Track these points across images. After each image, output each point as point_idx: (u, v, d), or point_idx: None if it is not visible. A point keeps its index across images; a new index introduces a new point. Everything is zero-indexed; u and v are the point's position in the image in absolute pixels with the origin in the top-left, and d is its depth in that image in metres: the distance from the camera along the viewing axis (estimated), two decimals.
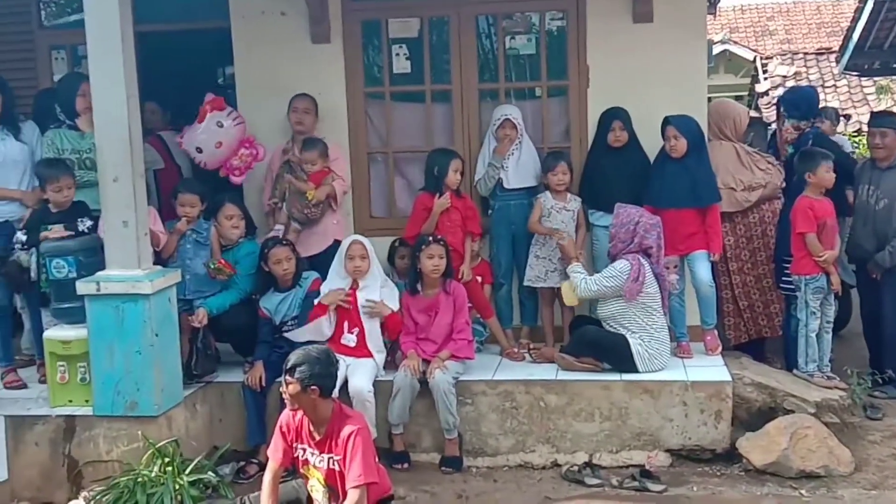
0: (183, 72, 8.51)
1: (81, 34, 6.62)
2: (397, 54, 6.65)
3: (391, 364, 5.77)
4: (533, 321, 6.43)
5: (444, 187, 6.03)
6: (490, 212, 6.36)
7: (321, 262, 6.02)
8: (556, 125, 6.61)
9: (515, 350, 6.18)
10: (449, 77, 6.59)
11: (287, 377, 4.29)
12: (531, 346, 6.21)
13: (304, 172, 6.19)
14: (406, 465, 5.55)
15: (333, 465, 4.36)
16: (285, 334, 5.78)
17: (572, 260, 5.87)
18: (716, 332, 6.11)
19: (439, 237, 5.82)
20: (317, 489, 4.45)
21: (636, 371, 5.64)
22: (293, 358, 4.32)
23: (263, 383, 5.62)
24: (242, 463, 5.59)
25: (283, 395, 4.36)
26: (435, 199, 6.02)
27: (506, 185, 6.28)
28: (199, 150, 6.17)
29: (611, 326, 5.75)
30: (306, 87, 6.42)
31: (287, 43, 6.53)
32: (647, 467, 5.35)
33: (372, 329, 5.68)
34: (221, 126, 6.13)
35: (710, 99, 6.72)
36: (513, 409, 5.64)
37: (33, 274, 5.49)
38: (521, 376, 5.74)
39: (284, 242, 5.86)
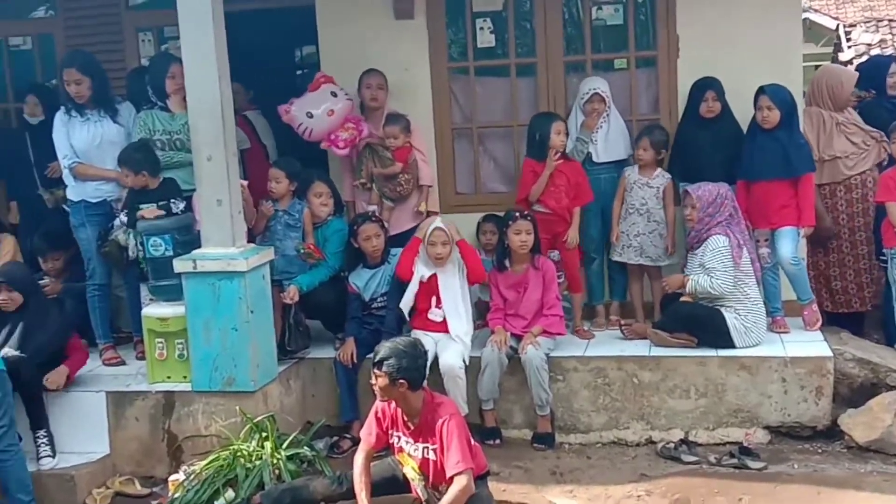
0: (262, 52, 8.57)
1: (166, 15, 6.77)
2: (481, 28, 6.58)
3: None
4: (622, 297, 6.36)
5: (549, 151, 5.90)
6: None
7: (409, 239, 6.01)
8: (644, 97, 6.49)
9: (585, 329, 6.11)
10: (534, 50, 6.51)
11: (375, 370, 4.30)
12: (622, 322, 6.13)
13: (387, 150, 6.18)
14: (498, 442, 5.54)
15: (428, 454, 4.37)
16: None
17: (684, 283, 5.72)
18: (815, 306, 5.96)
19: (526, 212, 5.77)
20: (412, 476, 4.47)
21: (732, 346, 5.53)
22: (381, 351, 4.33)
23: (355, 359, 5.65)
24: (336, 438, 5.65)
25: (374, 388, 4.37)
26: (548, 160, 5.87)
27: (595, 159, 6.20)
28: (310, 116, 6.13)
29: (705, 301, 5.65)
30: (389, 63, 6.39)
31: (370, 19, 6.51)
32: (746, 444, 5.26)
33: (457, 305, 5.66)
34: (335, 96, 6.12)
35: None
36: (605, 385, 5.58)
37: (132, 252, 5.59)
38: (614, 352, 5.68)
39: (374, 219, 5.87)
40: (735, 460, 5.13)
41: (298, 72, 11.23)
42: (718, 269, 5.54)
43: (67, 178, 5.95)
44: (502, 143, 6.69)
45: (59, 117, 5.95)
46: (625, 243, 6.15)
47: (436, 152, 6.55)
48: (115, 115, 5.95)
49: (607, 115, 6.20)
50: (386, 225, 5.97)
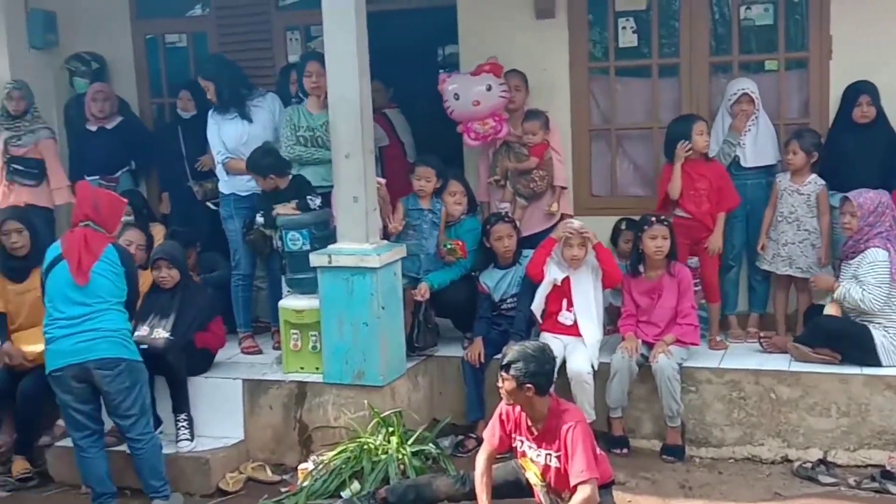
0: (404, 51, 8.68)
1: (313, 15, 6.93)
2: (623, 27, 6.47)
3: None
4: (762, 308, 6.11)
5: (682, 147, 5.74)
6: None
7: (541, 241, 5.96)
8: (793, 100, 6.23)
9: (719, 339, 5.90)
10: (678, 50, 6.35)
11: (503, 373, 4.26)
12: (761, 334, 5.90)
13: (524, 147, 6.14)
14: (625, 451, 5.43)
15: (551, 461, 4.31)
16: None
17: (833, 287, 5.48)
18: None
19: (662, 217, 5.63)
20: (535, 482, 4.43)
21: (878, 365, 5.24)
22: (509, 354, 4.29)
23: (482, 359, 5.65)
24: (461, 437, 5.66)
25: (500, 391, 4.34)
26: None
27: (743, 164, 5.98)
28: (457, 97, 6.16)
29: (853, 316, 5.37)
30: (528, 63, 6.36)
31: (511, 19, 6.49)
32: (889, 468, 4.96)
33: (589, 309, 5.58)
34: (489, 90, 6.10)
35: None
36: (740, 399, 5.39)
37: (276, 242, 5.76)
38: (751, 365, 5.47)
39: (507, 219, 5.85)
40: (876, 484, 4.87)
41: (441, 71, 11.33)
42: (872, 283, 5.26)
43: (220, 172, 6.22)
44: (641, 146, 6.56)
45: (211, 115, 6.24)
46: (774, 252, 5.91)
47: (572, 153, 6.47)
48: (248, 112, 6.13)
49: (756, 117, 5.97)
50: (518, 225, 5.94)
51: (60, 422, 5.63)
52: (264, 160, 5.84)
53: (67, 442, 5.52)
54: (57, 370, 4.88)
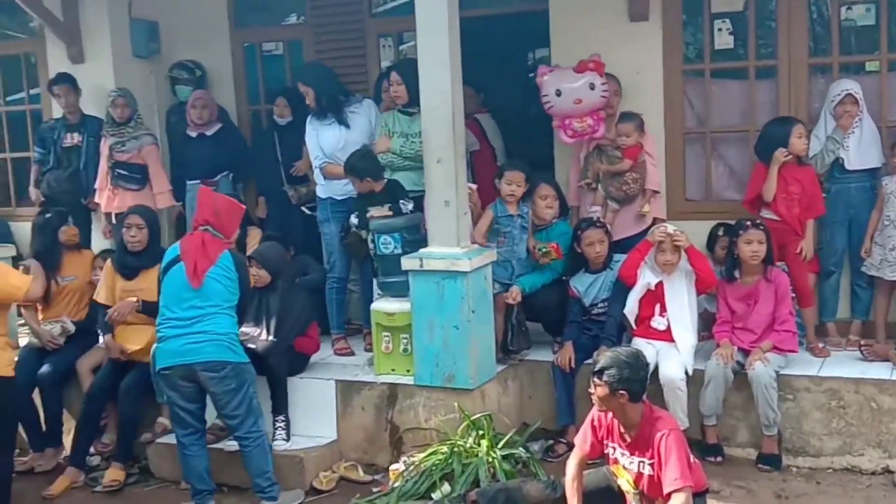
0: (494, 55, 8.71)
1: (405, 21, 7.05)
2: (720, 29, 6.36)
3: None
4: (865, 315, 5.93)
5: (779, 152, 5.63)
6: (825, 195, 5.91)
7: (636, 244, 5.89)
8: None
9: (820, 346, 5.75)
10: (775, 52, 6.22)
11: (595, 379, 4.22)
12: (862, 342, 5.72)
13: (618, 149, 6.10)
14: (720, 459, 5.34)
15: (644, 468, 4.26)
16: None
17: None
18: None
19: (758, 221, 5.52)
20: (627, 489, 4.38)
21: None
22: (602, 360, 4.25)
23: (573, 364, 5.62)
24: (551, 442, 5.64)
25: (592, 397, 4.31)
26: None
27: (846, 167, 5.82)
28: (558, 94, 6.11)
29: None
30: (621, 66, 6.30)
31: (604, 22, 6.44)
32: None
33: (683, 314, 5.50)
34: (592, 88, 6.07)
35: None
36: (839, 408, 5.24)
37: (371, 245, 5.84)
38: (851, 374, 5.32)
39: (598, 224, 5.81)
40: None
41: (531, 75, 11.33)
42: None
43: (317, 176, 6.34)
44: (737, 149, 6.44)
45: (310, 121, 6.37)
46: (881, 257, 5.73)
47: (665, 157, 6.39)
48: (345, 117, 6.24)
49: (860, 119, 5.80)
50: (609, 229, 5.90)
51: (161, 419, 5.83)
52: (361, 163, 5.93)
53: (168, 439, 5.73)
54: (165, 369, 5.04)
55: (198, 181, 7.09)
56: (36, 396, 6.10)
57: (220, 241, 5.18)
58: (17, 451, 6.18)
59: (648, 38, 6.37)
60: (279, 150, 7.20)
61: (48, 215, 6.47)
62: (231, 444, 5.52)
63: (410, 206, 5.82)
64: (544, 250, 5.80)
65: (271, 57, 8.14)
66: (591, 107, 6.09)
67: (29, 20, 8.13)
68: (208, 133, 7.26)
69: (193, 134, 7.30)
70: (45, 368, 6.00)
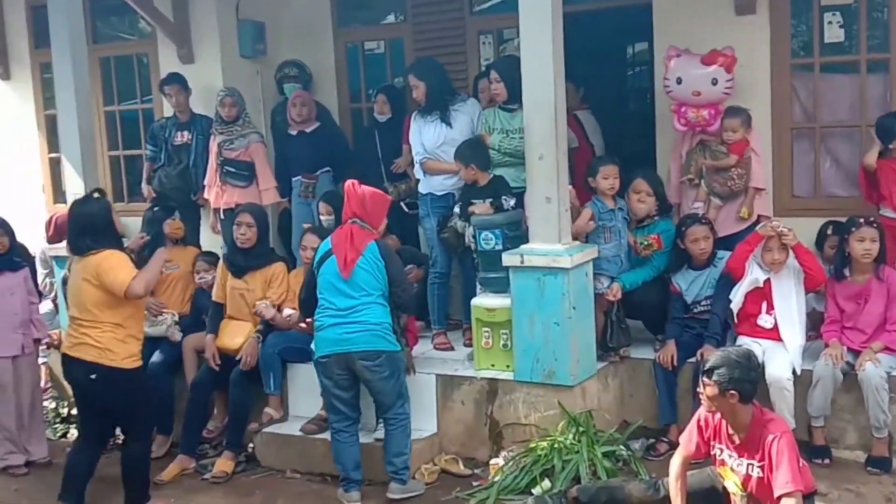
0: (594, 51, 8.64)
1: (506, 19, 7.07)
2: (829, 22, 6.19)
3: None
4: None
5: None
6: None
7: (739, 241, 5.79)
8: None
9: None
10: (888, 45, 6.03)
11: (704, 379, 4.16)
12: None
13: (723, 145, 6.00)
14: (827, 461, 5.21)
15: (752, 471, 4.19)
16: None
17: None
18: None
19: (871, 218, 5.36)
20: (734, 491, 4.32)
21: None
22: (712, 359, 4.19)
23: (675, 362, 5.57)
24: (652, 440, 5.59)
25: (700, 397, 4.25)
26: None
27: None
28: (679, 82, 6.02)
29: None
30: None
31: (709, 15, 6.34)
32: None
33: (791, 313, 5.39)
34: (715, 84, 5.95)
35: None
36: None
37: (468, 239, 5.88)
38: None
39: (703, 221, 5.74)
40: None
41: (629, 70, 11.23)
42: None
43: (418, 172, 6.42)
44: (846, 145, 6.26)
45: (413, 117, 6.47)
46: None
47: (772, 152, 6.25)
48: (448, 115, 6.29)
49: None
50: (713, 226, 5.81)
51: (268, 409, 5.99)
52: (469, 150, 6.00)
53: (275, 428, 5.91)
54: (323, 357, 5.22)
55: (300, 177, 7.26)
56: None
57: (368, 232, 5.29)
58: None
59: (755, 31, 6.25)
60: (379, 147, 7.28)
61: (156, 209, 6.72)
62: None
63: (512, 202, 5.84)
64: (645, 243, 5.75)
65: (373, 56, 8.25)
66: (710, 100, 5.99)
67: (141, 22, 8.42)
68: (308, 130, 7.38)
69: (293, 132, 7.44)
70: (155, 357, 6.23)
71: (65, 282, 6.09)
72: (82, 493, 5.28)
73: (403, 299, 5.39)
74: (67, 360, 5.19)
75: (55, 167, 8.78)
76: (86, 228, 5.12)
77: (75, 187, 6.89)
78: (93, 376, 5.04)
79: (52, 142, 8.72)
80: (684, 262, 5.77)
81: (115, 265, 5.05)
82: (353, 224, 5.30)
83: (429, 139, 6.31)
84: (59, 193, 8.83)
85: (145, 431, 5.41)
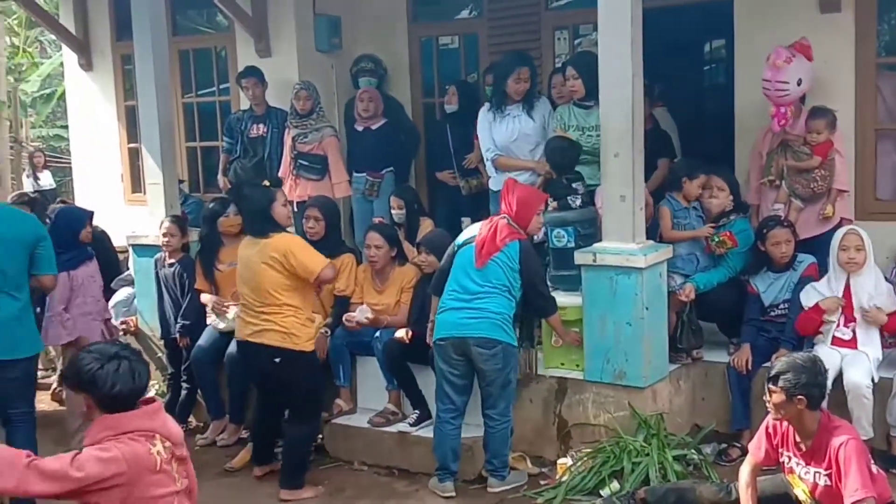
0: (671, 47, 8.51)
1: (582, 14, 7.01)
2: None
3: None
4: None
5: None
6: None
7: (820, 245, 5.67)
8: None
9: None
10: None
11: (770, 385, 4.08)
12: None
13: (806, 145, 5.85)
14: None
15: (819, 479, 4.10)
16: None
17: None
18: None
19: None
20: (804, 500, 4.23)
21: None
22: (777, 365, 4.11)
23: (749, 366, 5.47)
24: (724, 445, 5.50)
25: (767, 404, 4.16)
26: None
27: None
28: (800, 83, 5.87)
29: None
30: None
31: (792, 12, 6.19)
32: None
33: (867, 328, 5.25)
34: (799, 85, 5.88)
35: None
36: None
37: (536, 237, 5.84)
38: None
39: (785, 224, 5.61)
40: None
41: (706, 67, 11.03)
42: None
43: (490, 169, 6.40)
44: None
45: (483, 114, 6.43)
46: None
47: (855, 154, 6.09)
48: (532, 110, 6.26)
49: None
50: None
51: (339, 400, 6.04)
52: (553, 142, 5.98)
53: (344, 420, 5.96)
54: (441, 339, 5.24)
55: (364, 174, 7.32)
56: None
57: (514, 230, 5.24)
58: (199, 426, 6.59)
59: (840, 30, 6.09)
60: (451, 141, 7.29)
61: (211, 204, 6.76)
62: (402, 427, 5.68)
63: (578, 201, 5.78)
64: (718, 240, 5.66)
65: (447, 51, 8.26)
66: (802, 91, 5.89)
67: (219, 15, 8.56)
68: (373, 127, 7.42)
69: (360, 127, 7.49)
70: (231, 347, 6.32)
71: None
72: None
73: (540, 305, 5.37)
74: (247, 347, 5.31)
75: (134, 157, 8.99)
76: (264, 212, 5.26)
77: (154, 177, 7.04)
78: (277, 360, 5.18)
79: (132, 132, 8.93)
80: (764, 264, 5.65)
81: (301, 247, 5.29)
82: (503, 219, 5.27)
83: (501, 134, 6.29)
84: (137, 183, 9.04)
85: (313, 414, 5.47)
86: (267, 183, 5.47)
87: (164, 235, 6.59)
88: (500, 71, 6.48)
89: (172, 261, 6.63)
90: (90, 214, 6.34)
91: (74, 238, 6.03)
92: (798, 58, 5.84)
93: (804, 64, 5.84)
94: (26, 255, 5.11)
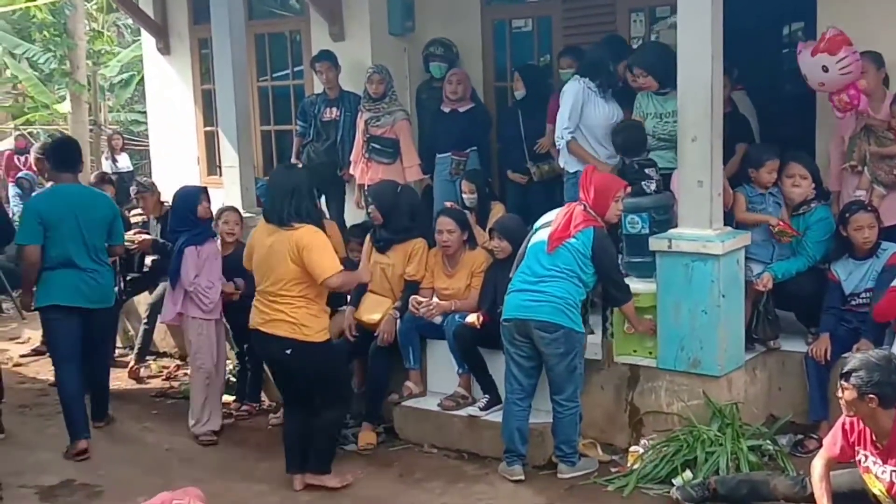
0: (749, 30, 8.32)
1: None
2: None
3: None
4: None
5: None
6: None
7: None
8: None
9: None
10: None
11: (842, 382, 4.00)
12: None
13: (891, 130, 5.67)
14: None
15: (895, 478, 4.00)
16: None
17: None
18: None
19: None
20: (881, 498, 4.12)
21: None
22: (850, 362, 4.02)
23: (828, 357, 5.34)
24: (801, 436, 5.40)
25: (840, 401, 4.07)
26: None
27: None
28: (825, 70, 5.76)
29: None
30: (890, 42, 5.84)
31: None
32: None
33: None
34: (826, 70, 5.66)
35: None
36: None
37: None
38: None
39: (869, 209, 5.45)
40: None
41: (785, 50, 10.77)
42: None
43: (563, 153, 6.33)
44: None
45: (577, 89, 6.26)
46: None
47: None
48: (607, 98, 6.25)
49: None
50: None
51: (408, 383, 6.07)
52: (617, 127, 5.95)
53: (414, 403, 5.99)
54: (506, 320, 5.27)
55: (448, 154, 7.31)
56: None
57: (590, 217, 5.21)
58: (272, 405, 6.67)
59: None
60: (522, 126, 7.24)
61: None
62: (472, 411, 5.69)
63: (653, 186, 5.70)
64: (776, 229, 5.54)
65: (520, 33, 8.19)
66: (840, 83, 5.67)
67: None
68: (461, 110, 7.41)
69: (447, 109, 7.47)
70: None
71: None
72: (304, 457, 5.36)
73: (613, 293, 5.33)
74: (259, 336, 5.27)
75: (210, 140, 9.13)
76: (289, 197, 5.11)
77: (230, 160, 7.14)
78: (287, 351, 5.15)
79: (208, 115, 9.07)
80: (846, 250, 5.50)
81: (319, 247, 5.08)
82: (579, 206, 5.24)
83: (599, 116, 6.23)
84: (213, 166, 9.18)
85: (339, 400, 5.41)
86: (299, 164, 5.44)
87: (226, 224, 6.49)
88: (612, 55, 6.43)
89: (226, 253, 6.46)
90: (203, 190, 6.50)
91: (193, 215, 6.24)
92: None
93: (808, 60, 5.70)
94: (106, 230, 6.09)
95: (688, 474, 4.94)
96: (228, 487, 5.40)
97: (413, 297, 6.02)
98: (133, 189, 7.85)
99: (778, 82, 9.94)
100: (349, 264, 6.52)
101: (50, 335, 6.20)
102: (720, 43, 5.15)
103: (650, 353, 5.52)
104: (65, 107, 17.54)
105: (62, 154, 6.20)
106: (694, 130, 5.20)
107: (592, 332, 5.64)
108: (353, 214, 7.59)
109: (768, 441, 5.15)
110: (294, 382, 5.34)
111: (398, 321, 6.07)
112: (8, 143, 16.97)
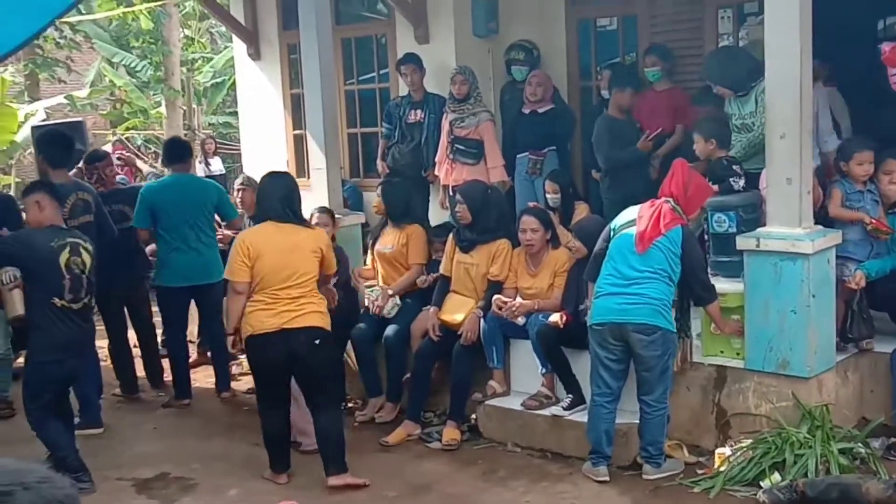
0: (841, 24, 8.11)
1: None
2: None
3: None
4: None
5: None
6: None
7: None
8: None
9: None
10: None
11: None
12: None
13: None
14: None
15: None
16: None
17: None
18: None
19: None
20: None
21: None
22: None
23: None
24: (893, 440, 5.25)
25: None
26: None
27: None
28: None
29: None
30: None
31: None
32: None
33: None
34: None
35: None
36: None
37: (704, 222, 5.72)
38: None
39: None
40: None
41: (879, 45, 10.45)
42: None
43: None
44: None
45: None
46: None
47: None
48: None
49: None
50: None
51: (492, 382, 6.09)
52: (711, 123, 5.91)
53: (497, 401, 6.01)
54: (598, 324, 5.23)
55: (527, 154, 7.33)
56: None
57: (678, 215, 5.17)
58: (358, 403, 6.78)
59: None
60: None
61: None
62: (556, 410, 5.69)
63: (742, 182, 5.61)
64: (870, 227, 5.41)
65: (605, 32, 8.15)
66: None
67: (380, 3, 8.73)
68: (540, 111, 7.42)
69: (526, 110, 7.50)
70: (389, 331, 6.46)
71: None
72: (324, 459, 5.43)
73: (699, 293, 5.27)
74: (279, 336, 5.20)
75: (298, 143, 9.30)
76: (290, 199, 5.38)
77: (318, 163, 7.28)
78: (317, 341, 5.27)
79: (297, 119, 9.25)
80: None
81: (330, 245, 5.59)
82: (666, 203, 5.19)
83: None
84: (301, 169, 9.36)
85: (341, 397, 5.64)
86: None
87: (318, 224, 6.45)
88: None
89: None
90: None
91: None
92: None
93: None
94: (213, 211, 7.06)
95: (776, 477, 4.85)
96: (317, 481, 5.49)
97: (496, 297, 6.04)
98: (238, 181, 8.10)
99: (874, 78, 9.67)
100: (434, 265, 6.63)
101: (164, 310, 7.18)
102: (809, 38, 5.06)
103: (737, 353, 5.43)
104: (160, 112, 18.09)
105: (175, 149, 7.32)
106: (782, 127, 5.11)
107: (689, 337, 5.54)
108: (438, 215, 7.65)
109: (860, 444, 5.03)
110: (311, 376, 5.37)
111: (481, 321, 6.11)
112: (107, 149, 17.54)
